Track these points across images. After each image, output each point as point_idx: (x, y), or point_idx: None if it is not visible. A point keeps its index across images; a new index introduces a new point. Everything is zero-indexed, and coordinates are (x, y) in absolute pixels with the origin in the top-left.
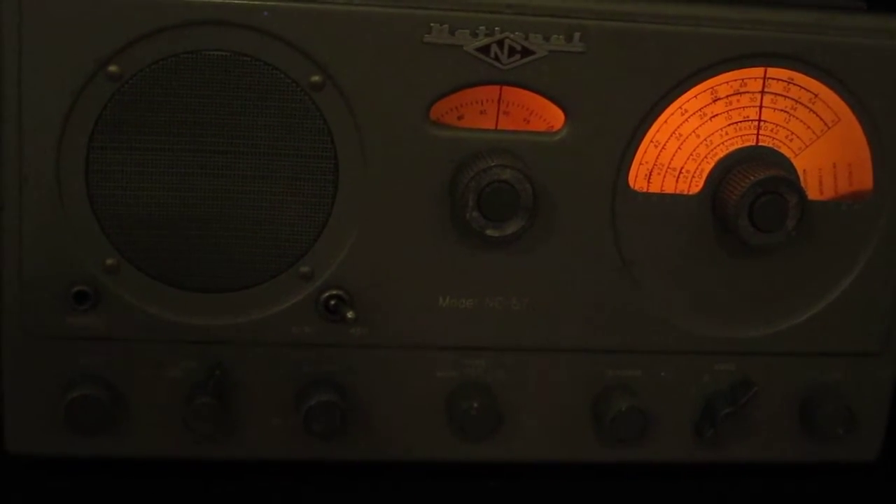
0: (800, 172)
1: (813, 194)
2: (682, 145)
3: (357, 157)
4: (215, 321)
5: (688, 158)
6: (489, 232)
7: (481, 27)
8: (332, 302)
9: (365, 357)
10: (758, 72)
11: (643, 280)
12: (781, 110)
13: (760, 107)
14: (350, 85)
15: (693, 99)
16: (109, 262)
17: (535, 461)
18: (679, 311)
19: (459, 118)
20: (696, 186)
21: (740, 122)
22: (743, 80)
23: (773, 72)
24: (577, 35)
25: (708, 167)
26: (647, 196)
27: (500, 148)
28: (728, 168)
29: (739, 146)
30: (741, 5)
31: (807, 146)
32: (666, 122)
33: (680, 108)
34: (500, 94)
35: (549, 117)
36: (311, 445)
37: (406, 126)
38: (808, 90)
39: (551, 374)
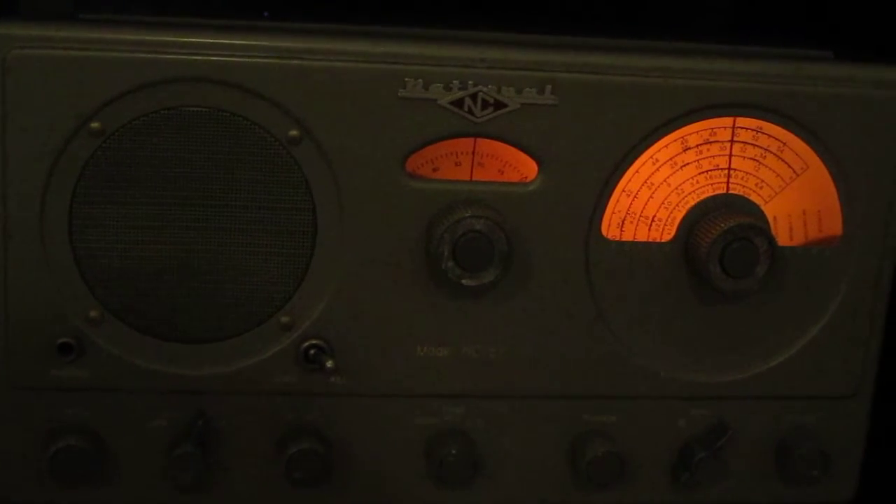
0: (770, 219)
1: (783, 241)
2: (654, 194)
3: (335, 209)
4: (197, 371)
5: (660, 207)
6: (465, 281)
7: (455, 81)
8: (312, 351)
9: (344, 405)
10: (727, 121)
11: (618, 326)
12: (751, 159)
13: (730, 155)
14: (327, 139)
15: (664, 148)
16: (93, 314)
17: None
18: (653, 356)
19: (435, 170)
20: (669, 234)
21: (711, 170)
22: (712, 129)
23: (741, 121)
24: (548, 88)
25: (680, 215)
26: (621, 244)
27: (474, 199)
28: (699, 216)
29: (710, 194)
30: (709, 57)
31: (776, 193)
32: (637, 171)
33: (651, 157)
34: (475, 146)
35: (523, 168)
36: (293, 493)
37: (382, 178)
38: (776, 139)
39: (528, 420)
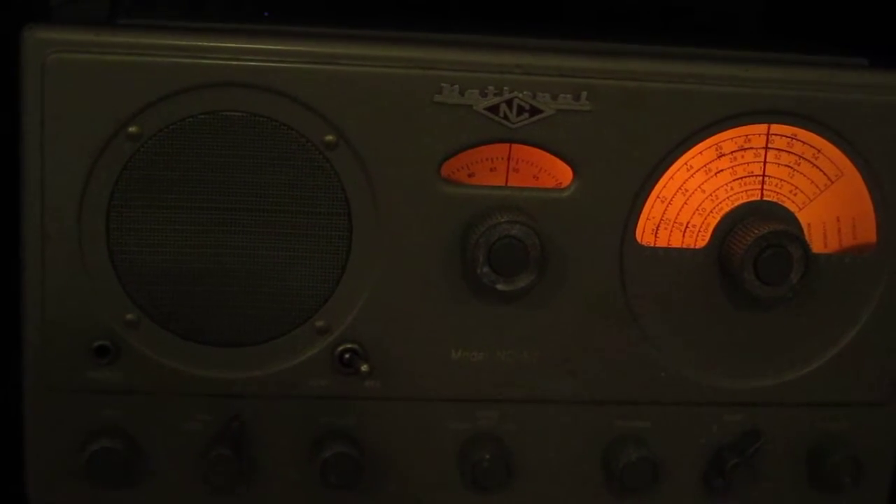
0: (804, 226)
1: (817, 248)
2: (689, 200)
3: (370, 213)
4: (233, 375)
5: (694, 213)
6: (500, 286)
7: (490, 87)
8: (347, 355)
9: (379, 409)
10: (761, 128)
11: (651, 332)
12: (785, 165)
13: (764, 162)
14: (363, 144)
15: (698, 155)
16: (129, 317)
17: None
18: (687, 362)
19: (470, 175)
20: (703, 240)
21: (745, 177)
22: (747, 136)
23: (776, 128)
24: (584, 94)
25: (714, 221)
26: (655, 250)
27: (509, 204)
28: (733, 222)
29: (744, 201)
30: (744, 63)
31: (811, 200)
32: (672, 177)
33: (686, 163)
34: (510, 151)
35: (558, 174)
36: (327, 496)
37: (418, 184)
38: (811, 146)
39: (562, 425)
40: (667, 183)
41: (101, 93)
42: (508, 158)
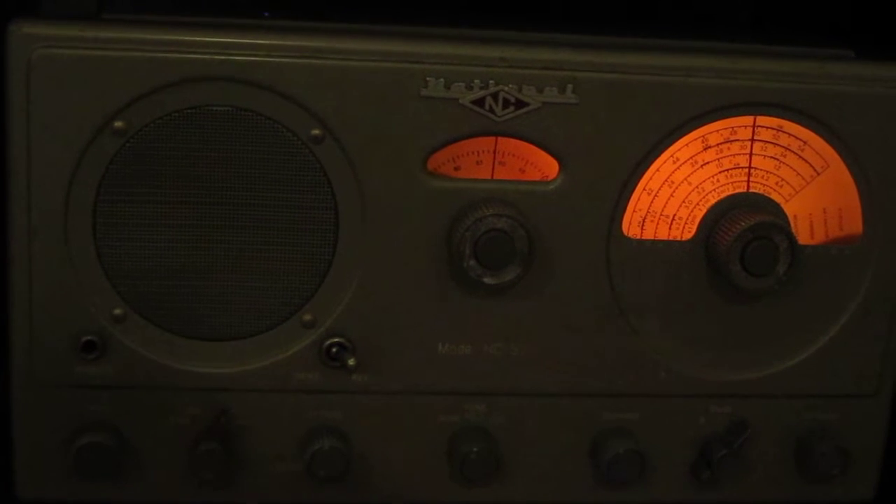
0: (790, 218)
1: (804, 239)
2: (675, 192)
3: (357, 207)
4: (220, 369)
5: (680, 205)
6: (486, 280)
7: (476, 80)
8: (334, 349)
9: (366, 403)
10: (747, 120)
11: (639, 324)
12: (771, 157)
13: (750, 154)
14: (349, 138)
15: (684, 147)
16: (116, 311)
17: None
18: (674, 354)
19: (456, 169)
20: (689, 233)
21: (731, 169)
22: (733, 128)
23: (762, 120)
24: (569, 87)
25: (700, 214)
26: (641, 243)
27: (495, 197)
28: (720, 214)
29: (731, 193)
30: (730, 56)
31: (797, 192)
32: (658, 170)
33: (672, 156)
34: (496, 144)
35: (544, 167)
36: (315, 490)
37: (404, 177)
38: (797, 137)
39: (549, 417)
40: (653, 175)
41: (87, 88)
42: (494, 152)
